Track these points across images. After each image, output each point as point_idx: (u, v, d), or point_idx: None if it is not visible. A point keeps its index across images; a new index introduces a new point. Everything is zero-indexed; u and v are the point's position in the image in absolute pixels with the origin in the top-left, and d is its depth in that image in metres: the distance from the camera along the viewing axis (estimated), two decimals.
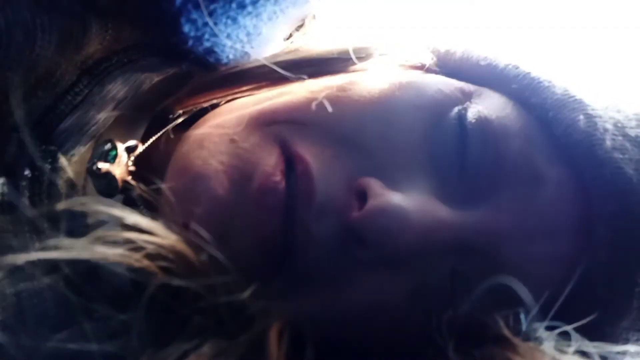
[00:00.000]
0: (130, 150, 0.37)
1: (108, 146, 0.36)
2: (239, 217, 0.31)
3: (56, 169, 0.34)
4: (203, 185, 0.32)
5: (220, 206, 0.32)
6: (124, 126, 0.38)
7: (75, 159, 0.35)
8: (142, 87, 0.37)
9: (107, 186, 0.36)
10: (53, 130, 0.34)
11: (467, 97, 0.35)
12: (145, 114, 0.39)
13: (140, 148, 0.37)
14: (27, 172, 0.33)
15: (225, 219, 0.31)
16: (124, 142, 0.37)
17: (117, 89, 0.36)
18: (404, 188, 0.32)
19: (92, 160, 0.36)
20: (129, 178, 0.36)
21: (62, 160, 0.34)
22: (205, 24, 0.32)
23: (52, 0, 0.32)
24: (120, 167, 0.36)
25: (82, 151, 0.36)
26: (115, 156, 0.36)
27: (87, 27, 0.34)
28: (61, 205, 0.29)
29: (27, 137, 0.31)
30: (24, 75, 0.32)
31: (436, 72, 0.39)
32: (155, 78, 0.38)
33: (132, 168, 0.37)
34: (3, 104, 0.32)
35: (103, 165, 0.36)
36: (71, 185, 0.34)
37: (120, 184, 0.36)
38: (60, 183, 0.34)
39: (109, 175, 0.36)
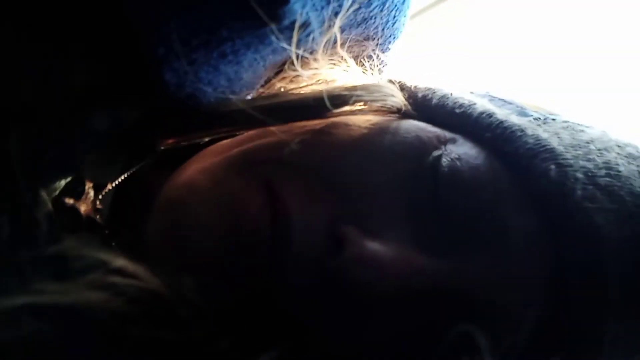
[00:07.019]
0: (100, 187, 0.37)
1: (76, 182, 0.36)
2: (222, 265, 0.31)
3: (37, 204, 0.33)
4: (188, 233, 0.32)
5: (205, 254, 0.32)
6: (103, 162, 0.38)
7: (55, 193, 0.35)
8: (124, 124, 0.37)
9: (70, 221, 0.35)
10: (34, 164, 0.33)
11: (443, 144, 0.35)
12: (125, 151, 0.38)
13: (109, 186, 0.37)
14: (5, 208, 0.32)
15: (211, 266, 0.31)
16: (101, 177, 0.37)
17: (100, 124, 0.35)
18: (381, 234, 0.32)
19: (59, 195, 0.35)
20: (98, 216, 0.35)
21: (44, 196, 0.33)
22: (187, 72, 0.32)
23: (35, 24, 0.31)
24: (86, 203, 0.36)
25: (61, 185, 0.35)
26: (82, 192, 0.36)
27: (72, 62, 0.33)
28: (52, 250, 0.29)
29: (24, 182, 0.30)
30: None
31: (413, 117, 0.39)
32: (138, 115, 0.37)
33: (99, 205, 0.36)
34: None
35: (69, 200, 0.35)
36: (49, 220, 0.33)
37: (84, 220, 0.35)
38: (40, 218, 0.33)
39: (73, 210, 0.35)
